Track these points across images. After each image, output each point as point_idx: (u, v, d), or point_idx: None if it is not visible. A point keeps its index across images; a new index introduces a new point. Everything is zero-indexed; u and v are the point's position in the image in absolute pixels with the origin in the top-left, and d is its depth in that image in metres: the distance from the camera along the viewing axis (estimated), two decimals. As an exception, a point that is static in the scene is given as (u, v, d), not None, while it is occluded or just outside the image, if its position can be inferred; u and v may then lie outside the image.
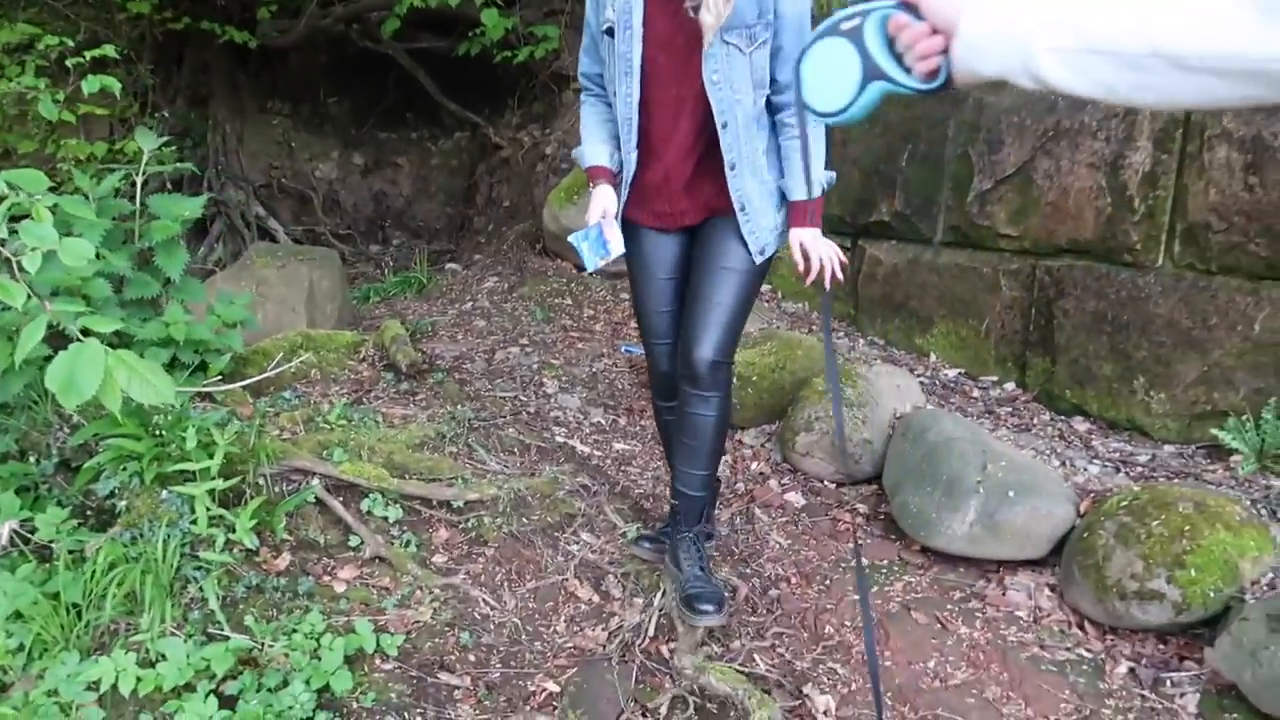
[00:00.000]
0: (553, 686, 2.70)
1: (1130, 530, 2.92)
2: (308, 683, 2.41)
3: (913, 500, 3.34)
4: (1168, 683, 2.76)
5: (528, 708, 2.61)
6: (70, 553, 2.61)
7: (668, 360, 2.85)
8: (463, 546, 3.19)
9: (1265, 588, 2.76)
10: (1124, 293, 3.77)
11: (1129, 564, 2.86)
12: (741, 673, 2.71)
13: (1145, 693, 2.73)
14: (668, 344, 2.83)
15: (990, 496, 3.16)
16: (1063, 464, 3.54)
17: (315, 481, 3.11)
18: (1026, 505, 3.12)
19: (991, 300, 4.28)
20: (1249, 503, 3.09)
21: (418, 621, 2.83)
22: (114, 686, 2.31)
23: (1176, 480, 3.36)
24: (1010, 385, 4.23)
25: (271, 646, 2.53)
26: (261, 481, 3.00)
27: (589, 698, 2.65)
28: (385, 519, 3.16)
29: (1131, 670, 2.82)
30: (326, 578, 2.93)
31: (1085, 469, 3.50)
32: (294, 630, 2.58)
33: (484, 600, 2.96)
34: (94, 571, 2.55)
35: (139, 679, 2.33)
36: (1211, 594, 2.75)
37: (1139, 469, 3.50)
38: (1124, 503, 3.03)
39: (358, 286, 5.57)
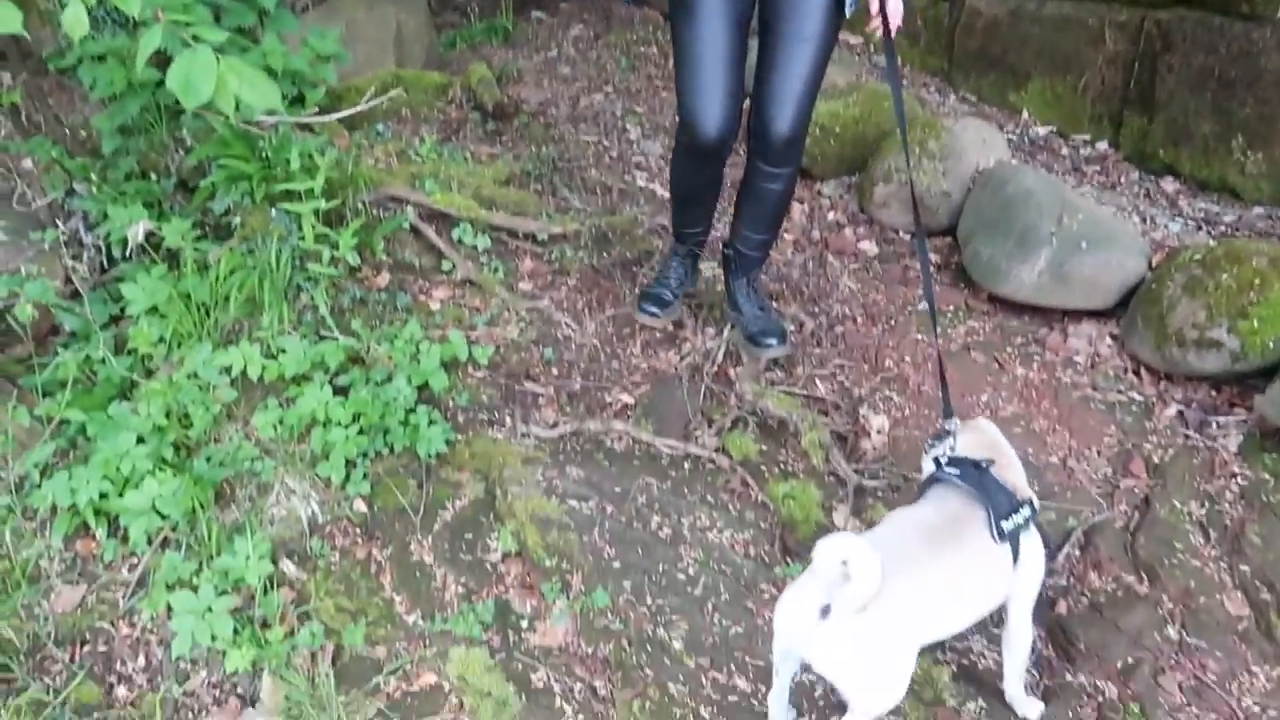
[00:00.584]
0: (627, 399, 2.95)
1: (1199, 281, 2.95)
2: (409, 380, 2.69)
3: (984, 250, 3.39)
4: (1213, 425, 2.88)
5: (604, 414, 2.87)
6: (194, 260, 2.87)
7: (719, 121, 2.46)
8: (546, 275, 3.39)
9: (1327, 340, 2.80)
10: (1235, 46, 3.57)
11: (1193, 313, 2.92)
12: (800, 396, 2.93)
13: (1189, 433, 2.87)
14: (723, 103, 2.45)
15: (1062, 247, 3.19)
16: (1144, 220, 3.52)
17: (409, 209, 3.30)
18: (1098, 256, 3.15)
19: (1093, 54, 4.09)
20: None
21: (506, 338, 3.08)
22: (243, 372, 2.63)
23: (1258, 240, 3.32)
24: (1103, 144, 4.11)
25: (376, 349, 2.81)
26: (360, 206, 3.20)
27: (659, 410, 2.90)
28: (474, 247, 3.36)
29: (1180, 413, 2.94)
30: (422, 296, 3.18)
31: (1166, 226, 3.47)
32: (396, 337, 2.85)
33: (565, 323, 3.18)
34: (217, 276, 2.83)
35: (264, 367, 2.64)
36: (1271, 344, 2.81)
37: (1222, 228, 3.46)
38: (1197, 256, 3.04)
39: (443, 33, 5.54)
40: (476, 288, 3.24)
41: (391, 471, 2.62)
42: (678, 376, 3.00)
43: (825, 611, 1.66)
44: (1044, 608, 2.29)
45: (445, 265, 3.28)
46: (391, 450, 2.64)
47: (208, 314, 2.82)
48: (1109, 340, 3.22)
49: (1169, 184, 3.82)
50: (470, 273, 3.24)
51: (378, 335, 2.88)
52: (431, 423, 2.66)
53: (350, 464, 2.56)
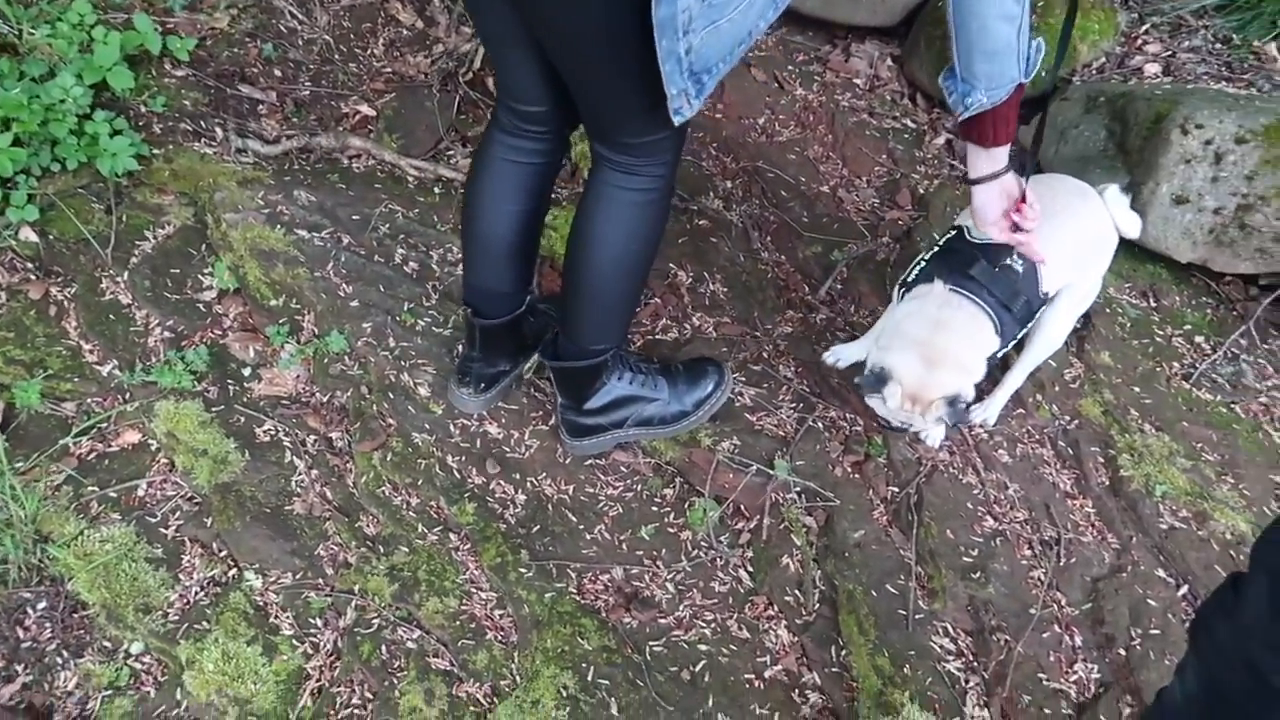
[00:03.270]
0: (368, 110, 2.54)
1: (985, 1, 2.81)
2: (79, 76, 2.14)
3: (774, -47, 3.07)
4: (977, 156, 2.86)
5: (340, 128, 2.47)
6: None
7: None
8: (265, -50, 2.77)
9: (1094, 72, 2.78)
10: None
11: (974, 36, 2.79)
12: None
13: (955, 163, 2.84)
14: None
15: (854, -46, 2.93)
16: (937, -70, 3.29)
17: None
18: (889, -33, 2.92)
19: None
20: (1106, -13, 3.00)
21: (214, 29, 2.52)
22: None
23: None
24: None
25: (31, 34, 2.21)
26: None
27: (406, 123, 2.52)
28: (166, -95, 2.66)
29: (949, 142, 2.90)
30: (98, -32, 2.51)
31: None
32: (58, 18, 2.24)
33: (291, 12, 2.64)
34: None
35: None
36: (1043, 74, 2.75)
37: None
38: (987, -27, 2.87)
39: None
40: (173, -40, 2.60)
41: (67, 193, 2.15)
42: (427, 84, 2.60)
43: None
44: (810, 341, 2.27)
45: (127, -72, 2.58)
46: (64, 167, 2.14)
47: None
48: (889, 62, 3.08)
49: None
50: (161, -62, 2.58)
51: (32, 15, 2.25)
52: (115, 133, 2.16)
53: (7, 183, 2.06)
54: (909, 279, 1.87)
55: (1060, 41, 1.63)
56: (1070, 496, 2.08)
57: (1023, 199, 1.60)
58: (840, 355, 2.19)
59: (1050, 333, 1.97)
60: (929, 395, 1.71)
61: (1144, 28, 2.88)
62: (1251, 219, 2.35)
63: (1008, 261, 1.77)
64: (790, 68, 3.01)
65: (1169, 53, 2.81)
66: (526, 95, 1.64)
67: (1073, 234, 1.86)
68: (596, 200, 1.63)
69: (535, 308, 2.00)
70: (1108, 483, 2.09)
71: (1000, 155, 1.54)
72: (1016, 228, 1.62)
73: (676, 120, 1.41)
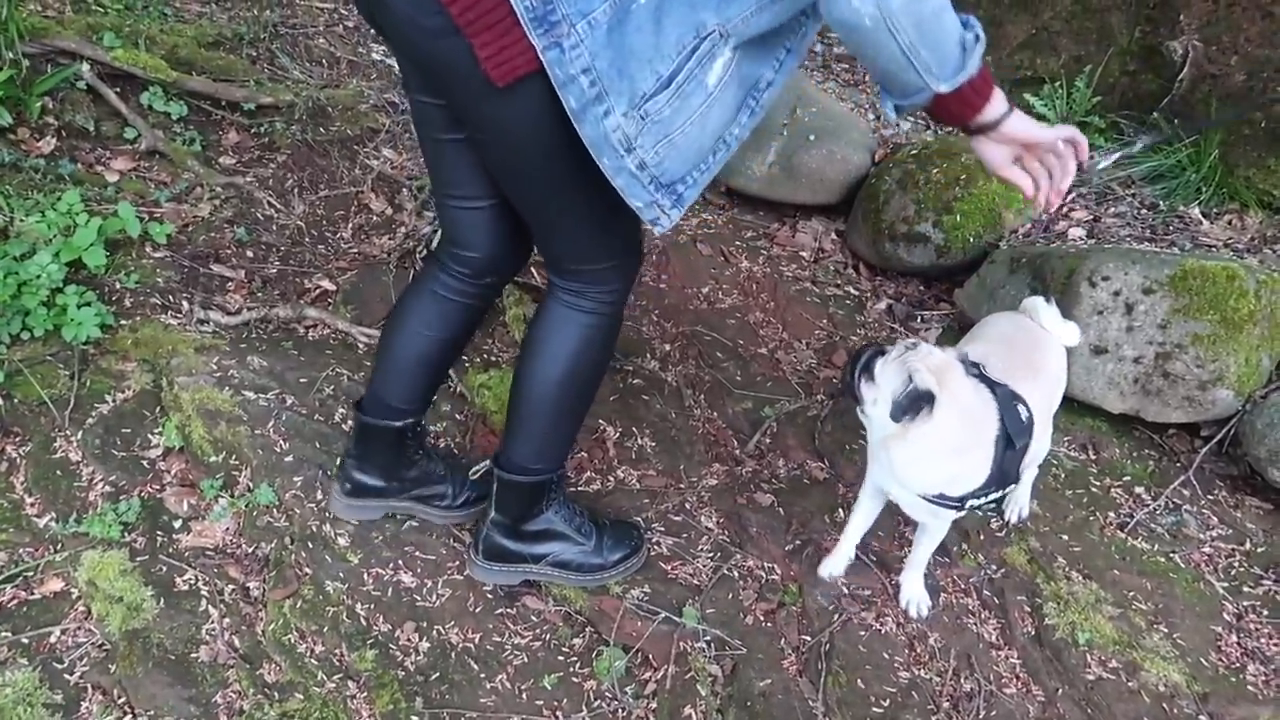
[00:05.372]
0: (329, 285, 2.73)
1: (911, 176, 3.00)
2: (57, 255, 2.37)
3: (724, 142, 3.33)
4: (919, 318, 2.97)
5: (300, 301, 2.65)
6: None
7: None
8: (253, 151, 3.07)
9: (1021, 237, 2.91)
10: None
11: (903, 208, 2.96)
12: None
13: (895, 325, 2.94)
14: None
15: (792, 139, 3.17)
16: (878, 118, 3.55)
17: (84, 65, 2.89)
18: (824, 149, 3.15)
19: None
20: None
21: (195, 216, 2.77)
22: None
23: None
24: (855, 43, 4.12)
25: (23, 221, 2.46)
26: (15, 57, 2.76)
27: (363, 296, 2.70)
28: (167, 114, 2.99)
29: (889, 307, 3.01)
30: (98, 166, 2.80)
31: (899, 125, 3.52)
32: (49, 208, 2.49)
33: (269, 202, 2.90)
34: None
35: None
36: (972, 239, 2.89)
37: (950, 128, 3.53)
38: (914, 152, 3.08)
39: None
40: (166, 159, 2.90)
41: (34, 360, 2.31)
42: (386, 261, 2.80)
43: None
44: (733, 493, 2.30)
45: (129, 133, 2.90)
46: (33, 335, 2.33)
47: None
48: (834, 236, 3.25)
49: (910, 85, 3.87)
50: (158, 142, 2.89)
51: (30, 205, 2.51)
52: (84, 304, 2.35)
53: (-24, 350, 2.24)
54: None
55: None
56: (995, 647, 2.02)
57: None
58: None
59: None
60: None
61: (1070, 196, 3.03)
62: (1172, 367, 2.39)
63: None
64: (738, 243, 3.19)
65: (1093, 218, 2.94)
66: (467, 241, 1.79)
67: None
68: (546, 315, 1.76)
69: (424, 441, 2.07)
70: (1033, 632, 2.04)
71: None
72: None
73: (657, 230, 1.50)
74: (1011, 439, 1.75)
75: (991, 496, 1.80)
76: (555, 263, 1.72)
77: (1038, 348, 1.99)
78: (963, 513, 1.84)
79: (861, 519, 2.06)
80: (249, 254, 2.76)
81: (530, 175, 1.54)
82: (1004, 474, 1.78)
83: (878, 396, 1.76)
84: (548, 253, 1.73)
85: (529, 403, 1.80)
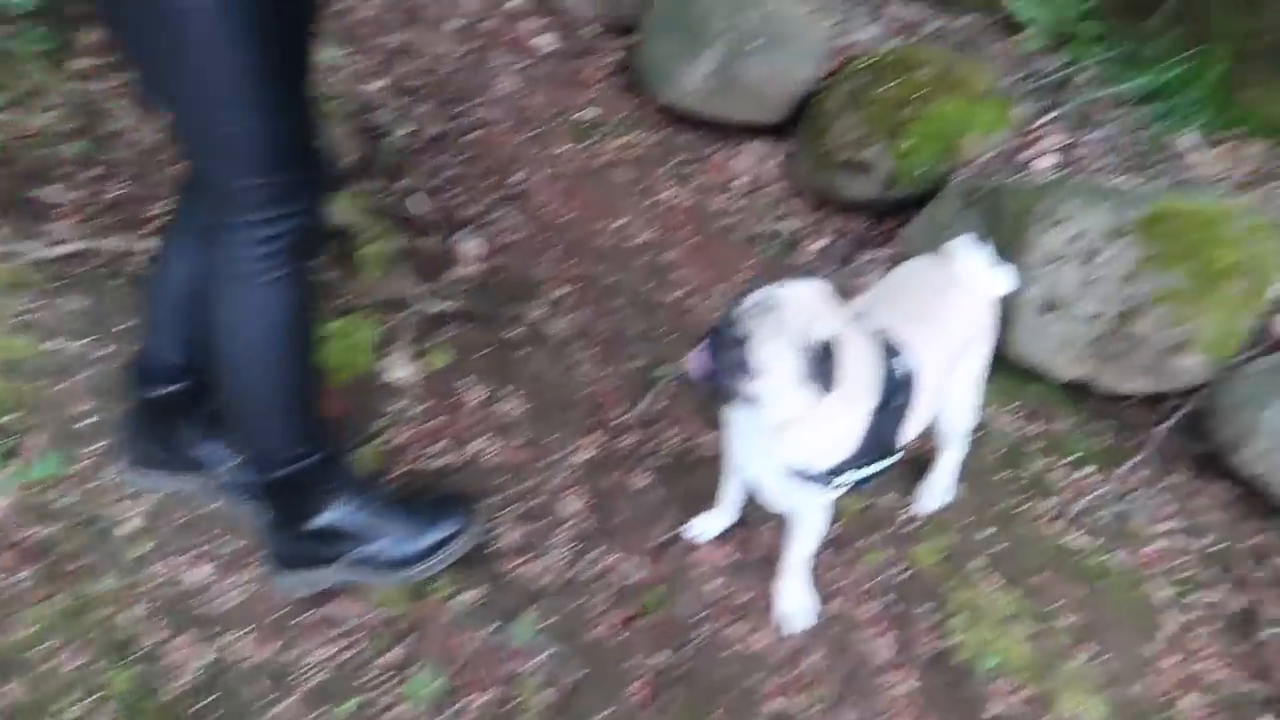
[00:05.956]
0: (176, 213, 2.38)
1: (862, 93, 2.58)
2: None
3: (658, 49, 2.91)
4: (861, 259, 2.59)
5: (138, 230, 2.31)
6: None
7: None
8: (115, 52, 2.69)
9: (980, 168, 2.50)
10: None
11: (849, 130, 2.56)
12: (384, 210, 2.44)
13: (834, 268, 2.57)
14: None
15: (732, 48, 2.74)
16: (839, 22, 3.08)
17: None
18: (765, 59, 2.71)
19: None
20: (1009, 79, 2.74)
21: (26, 127, 2.42)
22: None
23: (937, 46, 2.94)
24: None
25: None
26: None
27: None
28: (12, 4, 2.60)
29: (828, 246, 2.64)
30: (-84, 71, 2.45)
31: (860, 31, 3.06)
32: None
33: (122, 114, 2.53)
34: None
35: None
36: (924, 169, 2.49)
37: (919, 36, 3.07)
38: (870, 63, 2.65)
39: None
40: (5, 59, 2.53)
41: None
42: (243, 187, 2.43)
43: None
44: (608, 470, 1.98)
45: (-42, 31, 2.53)
46: None
47: None
48: (775, 162, 2.84)
49: (883, -17, 3.39)
50: (-8, 42, 2.51)
51: None
52: None
53: None
54: None
55: None
56: (890, 668, 1.72)
57: None
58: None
59: None
60: None
61: (1047, 118, 2.60)
62: (1136, 327, 2.02)
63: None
64: (663, 168, 2.79)
65: (1069, 142, 2.52)
66: None
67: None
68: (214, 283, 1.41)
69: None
70: (936, 650, 1.73)
71: None
72: None
73: None
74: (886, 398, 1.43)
75: (866, 471, 1.49)
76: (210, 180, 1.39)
77: (943, 296, 1.63)
78: (831, 494, 1.52)
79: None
80: (90, 174, 2.41)
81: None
82: (880, 441, 1.46)
83: (765, 374, 1.42)
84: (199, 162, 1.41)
85: (228, 387, 1.54)
